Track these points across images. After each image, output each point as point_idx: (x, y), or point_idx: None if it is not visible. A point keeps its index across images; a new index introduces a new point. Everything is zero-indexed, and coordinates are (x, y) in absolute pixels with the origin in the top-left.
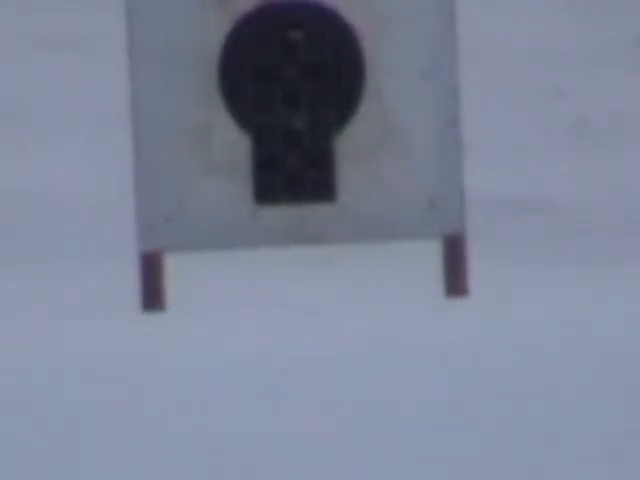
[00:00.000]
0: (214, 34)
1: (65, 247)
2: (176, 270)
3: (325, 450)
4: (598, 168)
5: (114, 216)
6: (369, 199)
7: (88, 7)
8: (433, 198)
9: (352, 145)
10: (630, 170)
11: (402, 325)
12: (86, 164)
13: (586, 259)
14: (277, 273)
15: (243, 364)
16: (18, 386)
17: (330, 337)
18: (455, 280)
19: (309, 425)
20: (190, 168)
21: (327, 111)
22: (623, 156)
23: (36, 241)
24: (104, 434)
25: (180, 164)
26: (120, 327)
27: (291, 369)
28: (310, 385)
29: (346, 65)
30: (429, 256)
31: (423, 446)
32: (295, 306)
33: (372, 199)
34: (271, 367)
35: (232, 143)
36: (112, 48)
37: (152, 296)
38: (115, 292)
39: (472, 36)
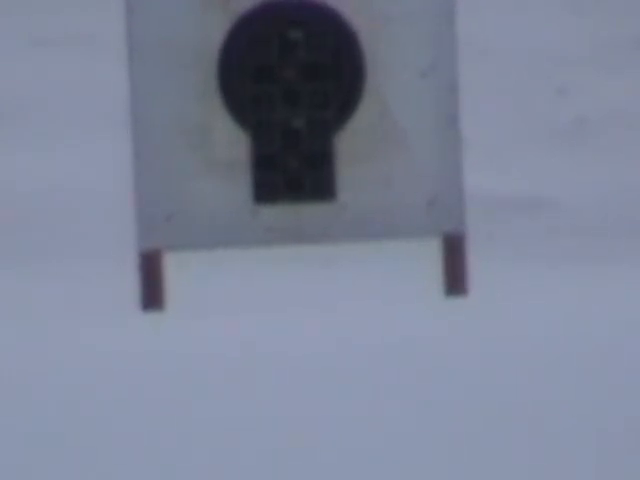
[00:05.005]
0: (214, 33)
1: (65, 246)
2: (176, 269)
3: (324, 448)
4: (598, 168)
5: (114, 215)
6: (369, 198)
7: (88, 6)
8: (433, 197)
9: (351, 144)
10: (630, 170)
11: (401, 323)
12: (86, 163)
13: (585, 258)
14: (277, 272)
15: (242, 363)
16: (17, 385)
17: (329, 336)
18: (454, 279)
19: (308, 423)
20: (190, 167)
21: (326, 110)
22: (623, 156)
23: (35, 240)
24: (103, 432)
25: (180, 163)
26: (120, 326)
27: (290, 368)
28: (310, 383)
29: (346, 64)
30: (428, 255)
31: (422, 443)
32: (295, 305)
33: (372, 198)
34: (271, 366)
35: (232, 142)
36: (112, 47)
37: (152, 295)
38: (115, 291)
39: (472, 36)
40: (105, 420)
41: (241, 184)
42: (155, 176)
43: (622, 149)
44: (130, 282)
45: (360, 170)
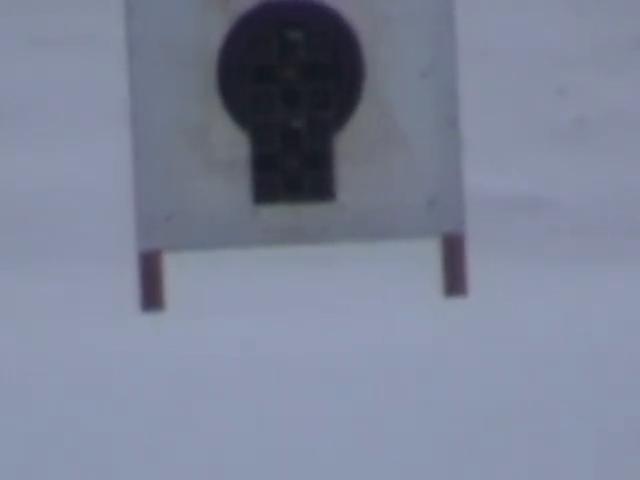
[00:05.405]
0: (213, 34)
1: (64, 247)
2: (175, 270)
3: (324, 448)
4: (598, 168)
5: (114, 215)
6: (368, 198)
7: (88, 6)
8: (432, 197)
9: (351, 145)
10: (630, 170)
11: (401, 324)
12: (85, 164)
13: (585, 258)
14: (276, 272)
15: (243, 364)
16: (17, 385)
17: (329, 336)
18: (454, 279)
19: (308, 423)
20: (189, 168)
21: (326, 110)
22: (623, 156)
23: (35, 240)
24: (103, 433)
25: (179, 164)
26: (119, 326)
27: (291, 368)
28: (310, 384)
29: (345, 65)
30: (428, 255)
31: (422, 443)
32: (294, 305)
33: (371, 198)
34: (271, 366)
35: (231, 143)
36: (112, 47)
37: (151, 296)
38: (114, 292)
39: (472, 36)
40: (105, 420)
41: (241, 184)
42: (155, 176)
43: (622, 149)
44: (130, 282)
45: (360, 170)
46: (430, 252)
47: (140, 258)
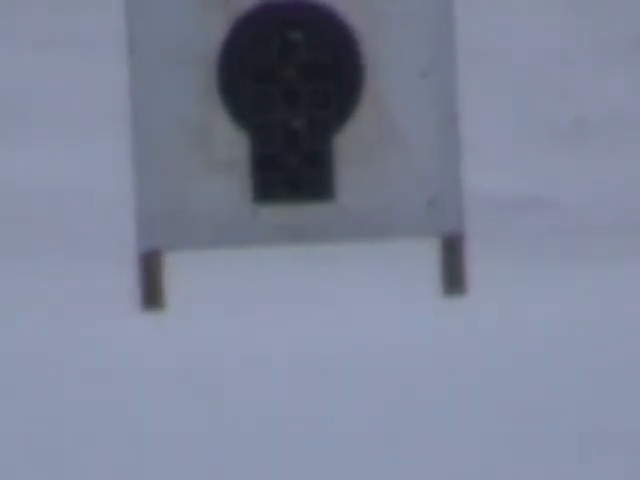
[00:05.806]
0: (214, 34)
1: (64, 246)
2: (175, 269)
3: (325, 448)
4: (598, 168)
5: (114, 215)
6: (368, 198)
7: (88, 6)
8: (432, 197)
9: (351, 144)
10: (630, 170)
11: (400, 323)
12: (86, 163)
13: (585, 258)
14: (277, 271)
15: (242, 362)
16: (17, 385)
17: (329, 335)
18: (454, 279)
19: (308, 423)
20: (190, 167)
21: (326, 111)
22: (623, 156)
23: (35, 240)
24: (102, 433)
25: (180, 163)
26: (119, 326)
27: (291, 367)
28: (309, 383)
29: (345, 65)
30: (428, 255)
31: (421, 442)
32: (294, 304)
33: (371, 198)
34: (271, 365)
35: (232, 142)
36: (112, 48)
37: (151, 295)
38: (115, 291)
39: (471, 36)
40: (105, 420)
41: (241, 184)
42: (155, 176)
43: (622, 149)
44: (130, 282)
45: (360, 170)
46: (430, 252)
47: (140, 258)
